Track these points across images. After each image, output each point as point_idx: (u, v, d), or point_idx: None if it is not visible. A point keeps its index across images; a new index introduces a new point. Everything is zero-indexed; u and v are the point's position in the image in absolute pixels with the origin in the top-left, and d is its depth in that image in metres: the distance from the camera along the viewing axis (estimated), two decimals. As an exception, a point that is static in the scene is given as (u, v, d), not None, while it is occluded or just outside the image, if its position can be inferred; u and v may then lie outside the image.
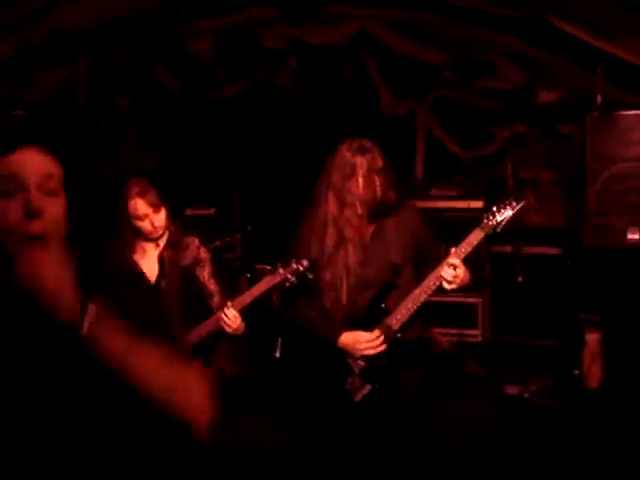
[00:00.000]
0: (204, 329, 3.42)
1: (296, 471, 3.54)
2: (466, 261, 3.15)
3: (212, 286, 3.63)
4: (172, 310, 3.44)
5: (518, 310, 6.76)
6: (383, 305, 3.24)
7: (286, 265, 3.28)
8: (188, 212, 7.36)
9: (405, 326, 3.19)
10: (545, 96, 6.09)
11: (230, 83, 6.63)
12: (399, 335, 3.19)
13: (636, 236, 4.82)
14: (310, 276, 3.22)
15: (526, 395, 5.32)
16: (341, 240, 3.23)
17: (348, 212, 3.22)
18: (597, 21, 4.84)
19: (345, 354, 3.22)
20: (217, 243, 6.42)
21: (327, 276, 3.25)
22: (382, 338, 3.17)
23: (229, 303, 3.41)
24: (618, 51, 4.97)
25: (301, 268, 3.25)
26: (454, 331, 6.64)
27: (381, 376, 3.19)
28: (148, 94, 6.39)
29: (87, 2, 4.25)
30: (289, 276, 3.28)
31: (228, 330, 3.38)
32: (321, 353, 3.30)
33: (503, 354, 6.54)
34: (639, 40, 4.86)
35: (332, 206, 3.25)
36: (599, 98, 5.05)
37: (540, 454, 4.40)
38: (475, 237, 3.17)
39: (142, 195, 3.43)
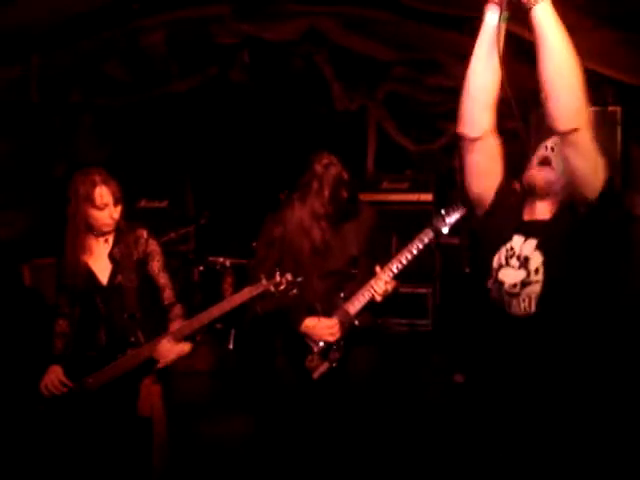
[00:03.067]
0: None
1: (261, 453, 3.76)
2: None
3: (162, 279, 3.52)
4: (131, 307, 3.41)
5: (466, 300, 6.93)
6: (342, 293, 3.51)
7: (270, 277, 3.25)
8: (141, 204, 7.37)
9: (360, 312, 3.48)
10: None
11: (183, 78, 6.66)
12: (355, 321, 3.48)
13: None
14: (294, 291, 3.26)
15: (474, 383, 5.45)
16: (306, 237, 3.48)
17: (315, 216, 3.48)
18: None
19: (306, 335, 3.48)
20: (171, 235, 6.44)
21: (292, 266, 3.43)
22: (340, 324, 3.45)
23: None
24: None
25: (284, 282, 3.24)
26: (405, 321, 6.77)
27: (338, 356, 3.46)
28: (101, 88, 6.38)
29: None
30: (272, 288, 3.24)
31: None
32: (282, 336, 3.59)
33: (452, 343, 6.70)
34: (579, 38, 4.98)
35: (299, 211, 3.50)
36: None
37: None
38: (425, 236, 3.41)
39: (107, 183, 3.36)
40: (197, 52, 6.34)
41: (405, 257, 3.44)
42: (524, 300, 2.33)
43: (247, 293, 3.27)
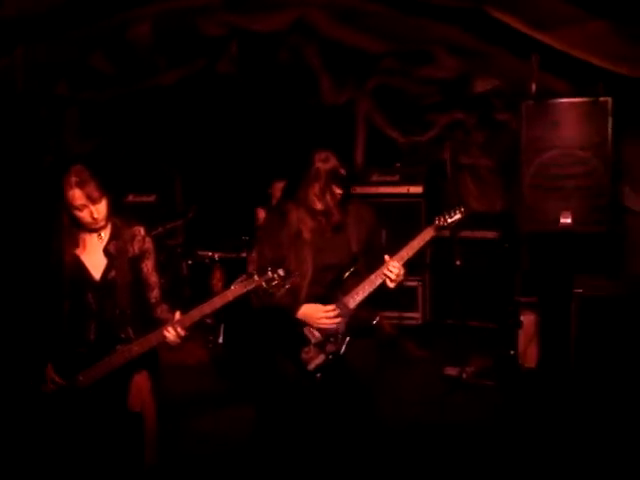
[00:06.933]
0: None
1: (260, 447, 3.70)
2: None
3: (153, 278, 3.50)
4: (123, 303, 3.41)
5: (457, 293, 6.93)
6: (342, 287, 3.51)
7: (262, 273, 3.21)
8: (129, 199, 7.34)
9: (360, 306, 3.49)
10: (481, 85, 6.21)
11: (170, 70, 6.59)
12: (354, 314, 3.48)
13: (568, 220, 4.97)
14: (287, 286, 3.23)
15: (464, 375, 5.47)
16: (306, 231, 3.54)
17: (313, 211, 3.55)
18: (532, 12, 4.96)
19: (303, 325, 3.49)
20: (159, 229, 6.40)
21: (293, 259, 3.48)
22: (338, 312, 3.46)
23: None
24: (552, 41, 5.09)
25: (276, 277, 3.20)
26: (395, 314, 6.75)
27: (334, 348, 3.45)
28: (87, 81, 6.31)
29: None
30: (263, 284, 3.19)
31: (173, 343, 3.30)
32: (280, 326, 3.56)
33: (442, 336, 6.69)
34: (572, 30, 4.99)
35: (299, 205, 3.57)
36: (533, 87, 5.18)
37: (478, 431, 4.54)
38: (428, 234, 3.49)
39: (81, 186, 3.29)
40: (184, 44, 6.28)
41: (407, 253, 3.48)
42: None
43: (239, 289, 3.23)
